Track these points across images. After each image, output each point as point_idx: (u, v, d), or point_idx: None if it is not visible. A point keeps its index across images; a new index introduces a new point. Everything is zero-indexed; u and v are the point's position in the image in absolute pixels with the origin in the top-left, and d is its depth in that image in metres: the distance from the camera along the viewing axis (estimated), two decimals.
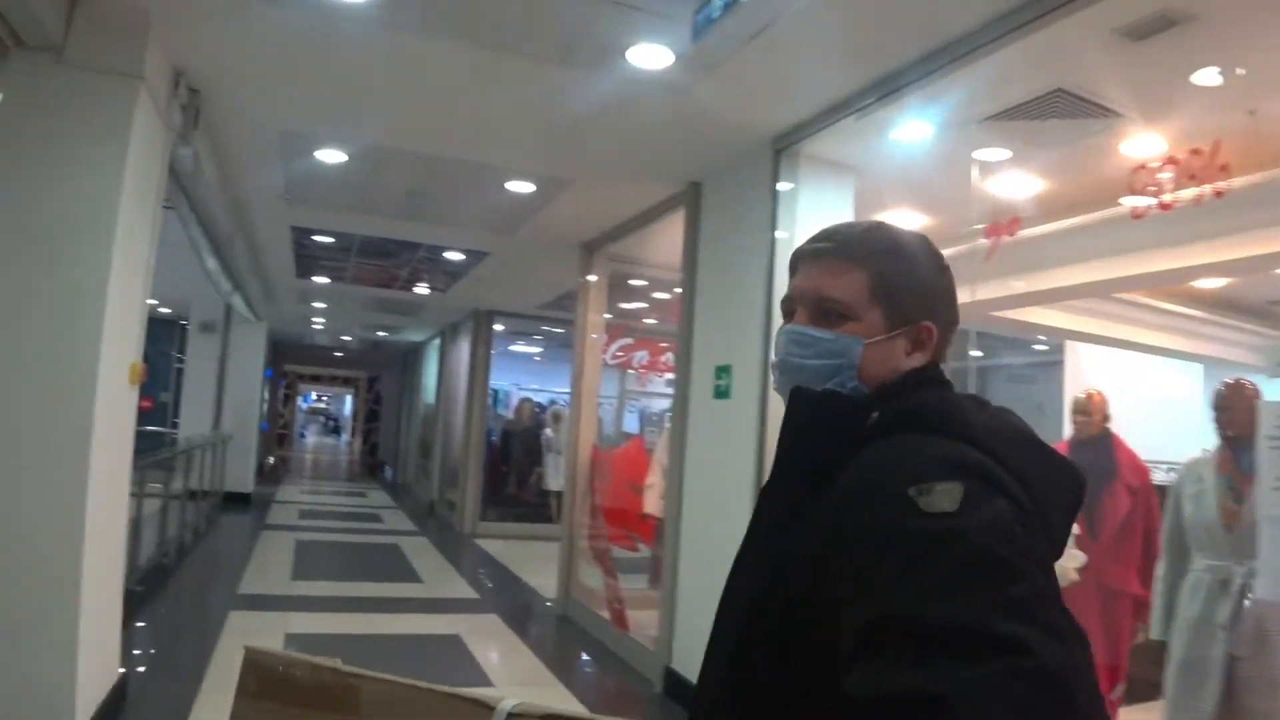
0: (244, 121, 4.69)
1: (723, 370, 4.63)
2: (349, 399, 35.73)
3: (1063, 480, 0.93)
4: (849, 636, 0.74)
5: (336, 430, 39.52)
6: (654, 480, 5.86)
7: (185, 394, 12.50)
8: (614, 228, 6.24)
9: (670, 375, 6.20)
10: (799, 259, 1.12)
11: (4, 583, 3.03)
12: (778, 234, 4.29)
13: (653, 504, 5.81)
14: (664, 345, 7.39)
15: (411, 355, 19.44)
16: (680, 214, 5.30)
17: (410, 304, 11.58)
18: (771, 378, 1.43)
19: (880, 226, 1.12)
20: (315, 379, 32.66)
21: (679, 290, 5.24)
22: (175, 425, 13.96)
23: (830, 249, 1.08)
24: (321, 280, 9.93)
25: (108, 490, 3.38)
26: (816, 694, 0.83)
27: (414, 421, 17.65)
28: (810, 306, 1.07)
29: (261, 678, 0.96)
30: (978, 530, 0.74)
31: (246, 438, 12.74)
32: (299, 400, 32.25)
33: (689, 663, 4.72)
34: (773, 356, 1.14)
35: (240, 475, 12.51)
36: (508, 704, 0.85)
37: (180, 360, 14.11)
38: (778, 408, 1.27)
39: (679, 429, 5.01)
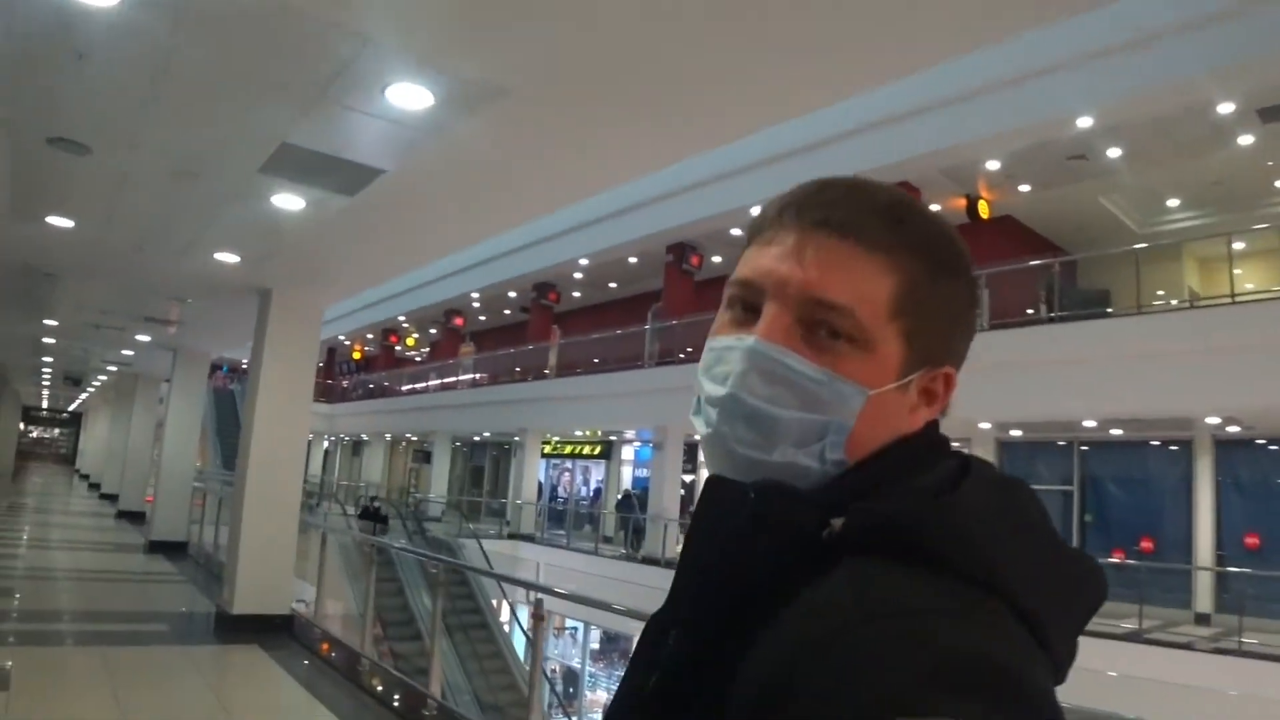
0: None
1: None
2: None
3: (1088, 590, 0.69)
4: None
5: None
6: None
7: None
8: None
9: None
10: (783, 217, 0.77)
11: None
12: None
13: None
14: None
15: None
16: None
17: None
18: (699, 423, 0.79)
19: (914, 201, 0.78)
20: None
21: None
22: None
23: (849, 220, 0.74)
24: None
25: None
26: None
27: None
28: (794, 309, 0.74)
29: None
30: None
31: None
32: None
33: None
34: (711, 387, 0.76)
35: None
36: None
37: None
38: None
39: None
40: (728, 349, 0.76)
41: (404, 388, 31.95)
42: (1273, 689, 10.12)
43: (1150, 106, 11.60)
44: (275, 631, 7.74)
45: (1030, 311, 13.36)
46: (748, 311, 0.77)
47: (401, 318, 32.27)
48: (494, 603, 15.20)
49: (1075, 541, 11.19)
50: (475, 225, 6.33)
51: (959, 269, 0.78)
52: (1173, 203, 15.72)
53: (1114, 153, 13.38)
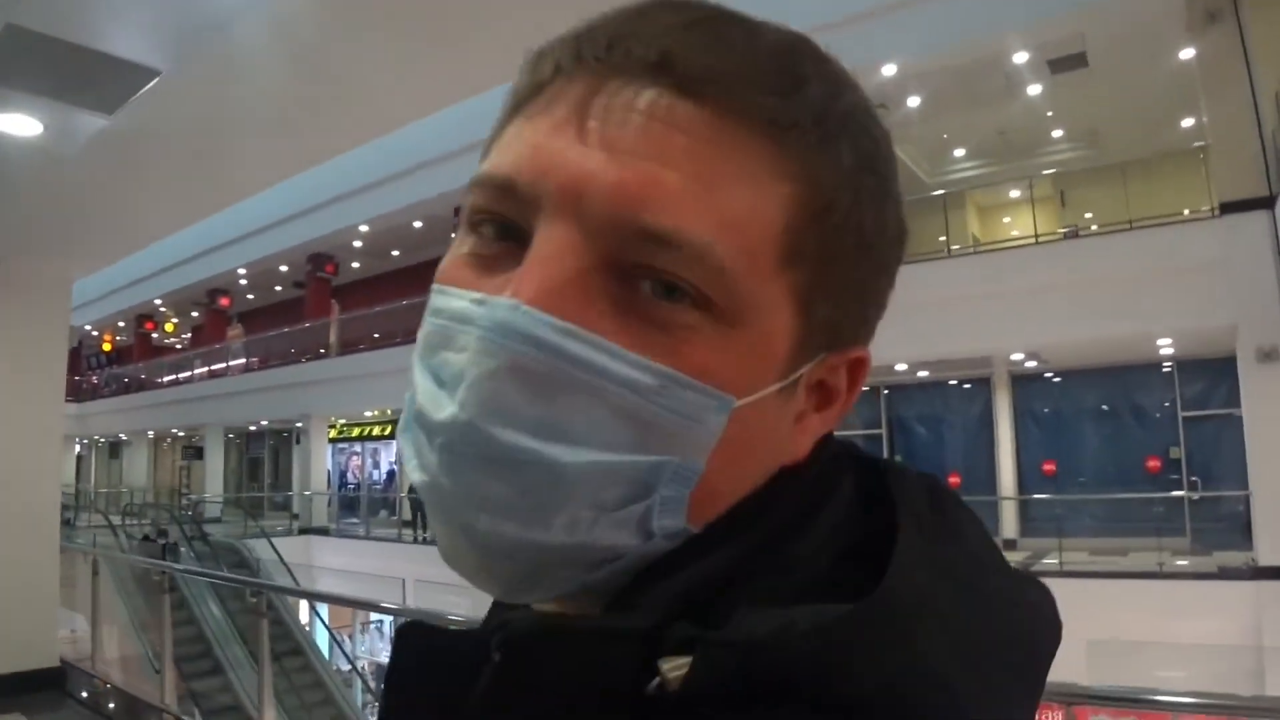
0: None
1: None
2: None
3: (1043, 645, 0.44)
4: None
5: None
6: None
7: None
8: None
9: None
10: (584, 57, 0.42)
11: None
12: None
13: None
14: None
15: None
16: None
17: None
18: (411, 462, 0.43)
19: (816, 47, 0.44)
20: None
21: None
22: (1194, 484, 12.16)
23: (716, 69, 0.40)
24: None
25: None
26: None
27: None
28: (602, 244, 0.40)
29: None
30: None
31: None
32: None
33: None
34: (431, 397, 0.42)
35: None
36: None
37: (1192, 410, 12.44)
38: None
39: None
40: (461, 321, 0.41)
41: (166, 379, 28.47)
42: (1080, 601, 10.56)
43: (951, 55, 11.71)
44: (42, 689, 6.00)
45: None
46: (505, 240, 0.43)
47: (158, 301, 28.67)
48: (289, 600, 13.63)
49: None
50: (292, 155, 4.79)
51: (890, 176, 0.45)
52: (959, 153, 16.20)
53: (913, 101, 13.42)
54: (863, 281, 0.45)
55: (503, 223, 0.43)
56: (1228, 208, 10.53)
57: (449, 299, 0.43)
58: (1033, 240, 13.01)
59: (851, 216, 0.43)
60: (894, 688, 0.36)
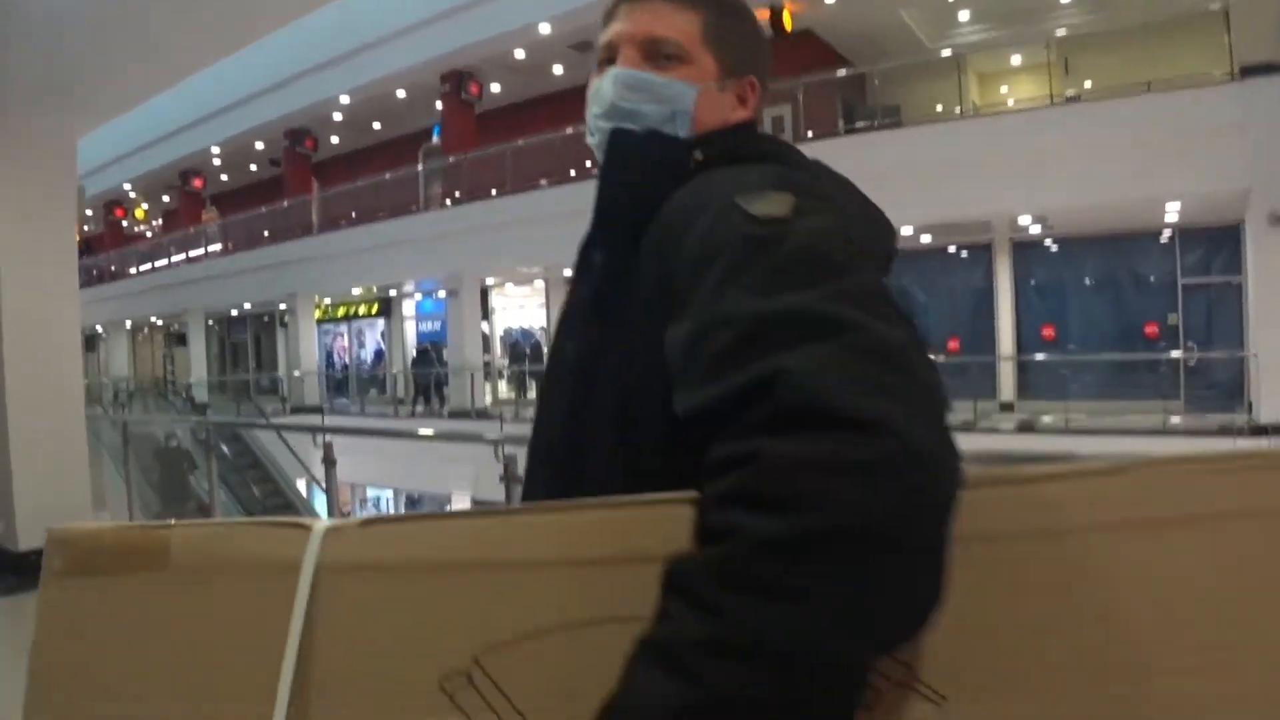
0: None
1: None
2: None
3: (879, 231, 0.95)
4: (674, 355, 0.74)
5: None
6: None
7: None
8: None
9: None
10: (619, 3, 1.04)
11: None
12: None
13: None
14: None
15: None
16: None
17: None
18: (590, 134, 1.08)
19: None
20: None
21: None
22: (1190, 350, 12.53)
23: None
24: None
25: None
26: (662, 444, 0.79)
27: None
28: (639, 48, 1.01)
29: (68, 555, 0.86)
30: (808, 231, 0.73)
31: None
32: None
33: None
34: (593, 109, 1.02)
35: None
36: (323, 524, 0.78)
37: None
38: None
39: None
40: (602, 83, 1.01)
41: (142, 267, 27.55)
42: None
43: None
44: None
45: (862, 124, 12.91)
46: (610, 64, 1.01)
47: (127, 186, 27.53)
48: (298, 483, 13.52)
49: None
50: None
51: (742, 11, 1.06)
52: (963, 16, 15.61)
53: None
54: (740, 47, 1.02)
55: (608, 59, 1.01)
56: (1248, 71, 10.25)
57: (594, 83, 1.02)
58: (1047, 102, 12.62)
59: (725, 24, 1.01)
60: (761, 148, 0.99)
